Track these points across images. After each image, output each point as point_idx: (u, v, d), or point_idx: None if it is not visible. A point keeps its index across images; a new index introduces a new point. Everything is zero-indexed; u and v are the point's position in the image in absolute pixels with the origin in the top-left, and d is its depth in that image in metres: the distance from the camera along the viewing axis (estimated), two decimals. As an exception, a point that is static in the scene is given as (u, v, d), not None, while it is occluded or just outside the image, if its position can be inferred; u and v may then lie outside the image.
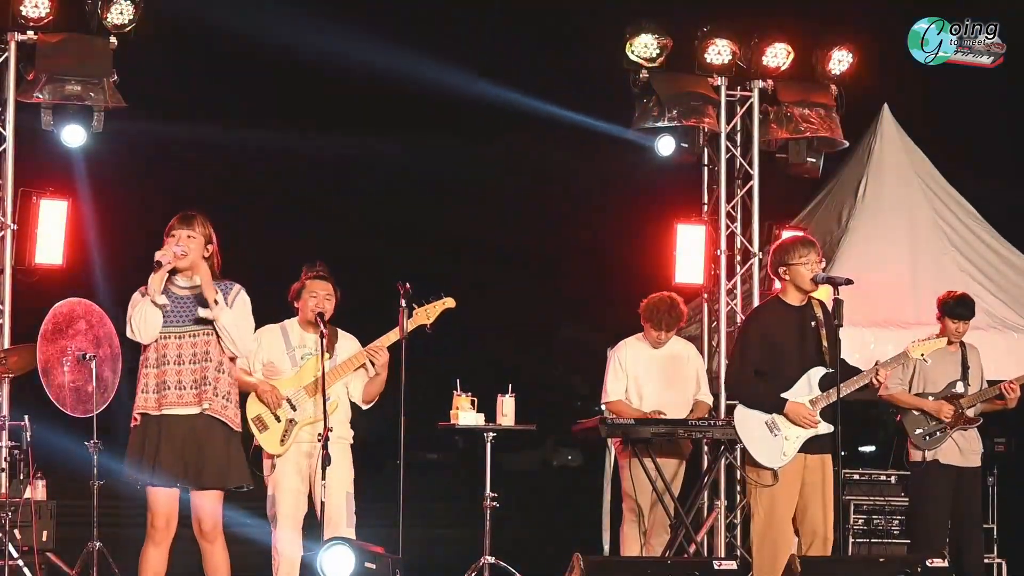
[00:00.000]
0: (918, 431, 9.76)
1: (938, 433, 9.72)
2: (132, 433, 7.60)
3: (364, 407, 8.85)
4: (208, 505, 7.61)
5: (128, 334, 7.58)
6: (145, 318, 7.47)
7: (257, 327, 8.16)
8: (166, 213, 7.72)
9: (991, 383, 9.93)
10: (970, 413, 9.78)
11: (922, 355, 8.67)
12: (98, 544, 9.85)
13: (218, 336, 7.58)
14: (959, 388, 9.78)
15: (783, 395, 8.21)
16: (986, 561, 11.55)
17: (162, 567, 7.65)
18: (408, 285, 8.22)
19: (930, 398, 9.78)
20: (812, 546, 8.27)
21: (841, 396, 8.14)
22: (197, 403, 7.54)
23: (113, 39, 10.83)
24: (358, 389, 8.78)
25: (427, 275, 8.76)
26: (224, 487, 7.64)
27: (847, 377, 8.23)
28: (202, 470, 7.53)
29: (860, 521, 11.71)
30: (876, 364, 8.30)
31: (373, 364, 8.61)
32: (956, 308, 9.76)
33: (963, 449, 9.81)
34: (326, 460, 8.14)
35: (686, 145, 11.92)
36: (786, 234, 11.38)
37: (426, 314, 8.46)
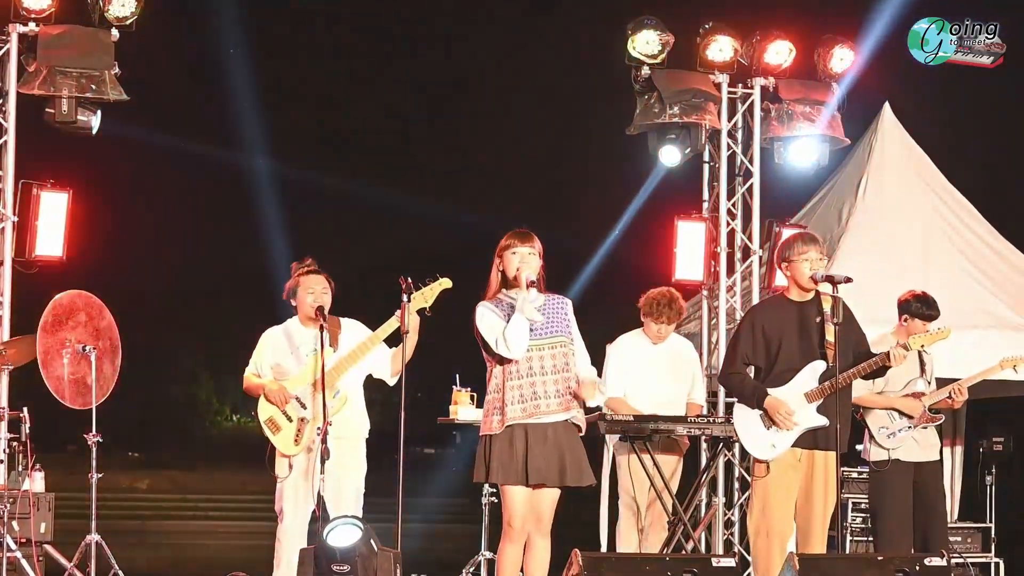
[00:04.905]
0: (881, 429, 9.70)
1: (901, 432, 9.68)
2: (491, 440, 7.78)
3: (392, 381, 8.75)
4: (550, 502, 7.85)
5: (500, 350, 7.72)
6: (522, 336, 7.68)
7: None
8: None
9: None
10: (929, 412, 9.74)
11: (922, 346, 8.61)
12: (96, 537, 9.83)
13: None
14: (919, 386, 9.72)
15: (777, 389, 8.17)
16: (984, 560, 11.67)
17: (519, 563, 7.88)
18: (409, 279, 8.15)
19: (892, 395, 9.71)
20: (805, 543, 8.23)
21: (844, 385, 8.09)
22: (563, 410, 7.79)
23: (115, 31, 10.81)
24: (385, 366, 8.71)
25: (428, 269, 8.71)
26: (582, 484, 7.89)
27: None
28: (565, 469, 7.77)
29: (858, 519, 11.61)
30: (889, 350, 8.15)
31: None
32: (926, 310, 9.67)
33: (921, 444, 9.75)
34: (325, 455, 8.14)
35: (689, 151, 11.91)
36: (787, 232, 11.43)
37: (423, 297, 8.37)
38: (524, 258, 7.78)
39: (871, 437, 9.78)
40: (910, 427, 9.70)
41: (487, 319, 7.75)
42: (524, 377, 7.74)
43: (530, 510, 7.79)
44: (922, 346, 8.58)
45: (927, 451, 9.80)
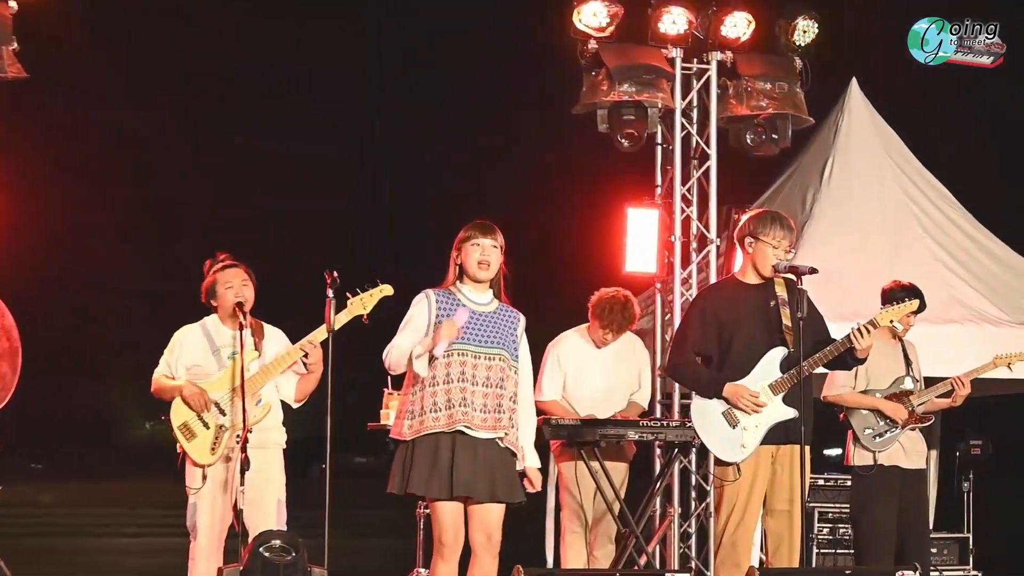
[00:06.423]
0: (867, 431, 9.44)
1: (888, 433, 9.43)
2: (413, 447, 7.50)
3: (296, 405, 8.49)
4: (496, 518, 7.58)
5: (384, 354, 7.60)
6: (403, 364, 7.54)
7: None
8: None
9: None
10: (919, 411, 9.49)
11: (892, 322, 8.27)
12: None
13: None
14: (907, 384, 9.46)
15: (739, 382, 7.87)
16: (961, 573, 11.48)
17: None
18: (335, 273, 7.82)
19: (878, 395, 9.45)
20: (778, 550, 8.02)
21: (811, 372, 7.85)
22: (490, 429, 7.50)
23: (13, 3, 10.11)
24: (290, 386, 8.39)
25: (369, 261, 8.22)
26: (512, 500, 7.61)
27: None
28: (495, 484, 7.51)
29: (825, 530, 11.42)
30: (852, 330, 7.86)
31: (305, 363, 8.24)
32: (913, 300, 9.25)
33: (908, 450, 9.49)
34: (245, 464, 7.75)
35: (646, 132, 11.38)
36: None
37: (362, 304, 8.05)
38: (486, 250, 7.53)
39: (855, 439, 9.48)
40: (895, 429, 9.42)
41: (412, 322, 7.59)
42: (454, 382, 7.46)
43: (479, 527, 7.48)
44: (891, 321, 8.20)
45: (914, 459, 9.52)
